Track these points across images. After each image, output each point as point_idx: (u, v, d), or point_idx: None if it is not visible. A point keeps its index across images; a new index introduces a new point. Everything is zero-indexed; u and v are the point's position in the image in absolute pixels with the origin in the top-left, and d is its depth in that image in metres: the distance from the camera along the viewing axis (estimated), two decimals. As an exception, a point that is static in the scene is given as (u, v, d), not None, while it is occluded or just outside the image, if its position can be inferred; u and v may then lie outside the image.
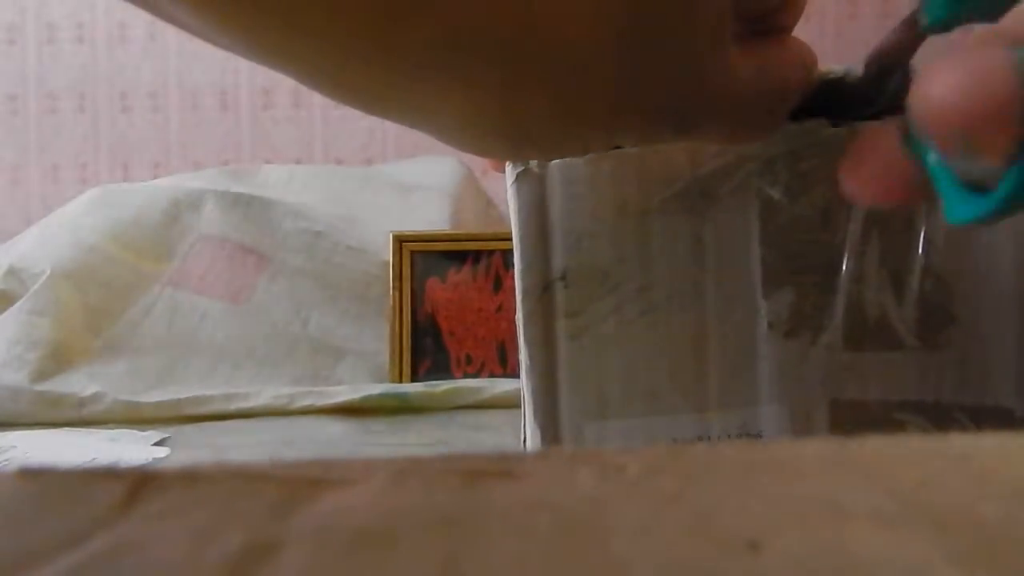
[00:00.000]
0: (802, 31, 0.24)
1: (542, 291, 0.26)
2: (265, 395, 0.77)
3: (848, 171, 0.20)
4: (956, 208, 0.18)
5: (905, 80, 0.22)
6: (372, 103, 0.21)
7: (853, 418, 0.25)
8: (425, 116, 0.21)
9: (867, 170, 0.19)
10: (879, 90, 0.23)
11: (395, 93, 0.20)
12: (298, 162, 1.51)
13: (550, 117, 0.20)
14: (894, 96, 0.23)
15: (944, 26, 0.19)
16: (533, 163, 0.27)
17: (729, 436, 0.26)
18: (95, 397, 0.75)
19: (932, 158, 0.18)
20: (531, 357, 0.26)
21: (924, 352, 0.25)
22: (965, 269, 0.25)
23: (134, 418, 0.74)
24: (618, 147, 0.25)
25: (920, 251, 0.25)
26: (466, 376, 0.86)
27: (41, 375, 0.79)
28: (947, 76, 0.16)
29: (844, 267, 0.25)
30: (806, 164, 0.25)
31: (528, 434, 0.27)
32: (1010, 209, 0.17)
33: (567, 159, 0.26)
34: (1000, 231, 0.25)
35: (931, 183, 0.18)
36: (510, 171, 0.27)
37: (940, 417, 0.25)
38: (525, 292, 0.26)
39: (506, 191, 0.27)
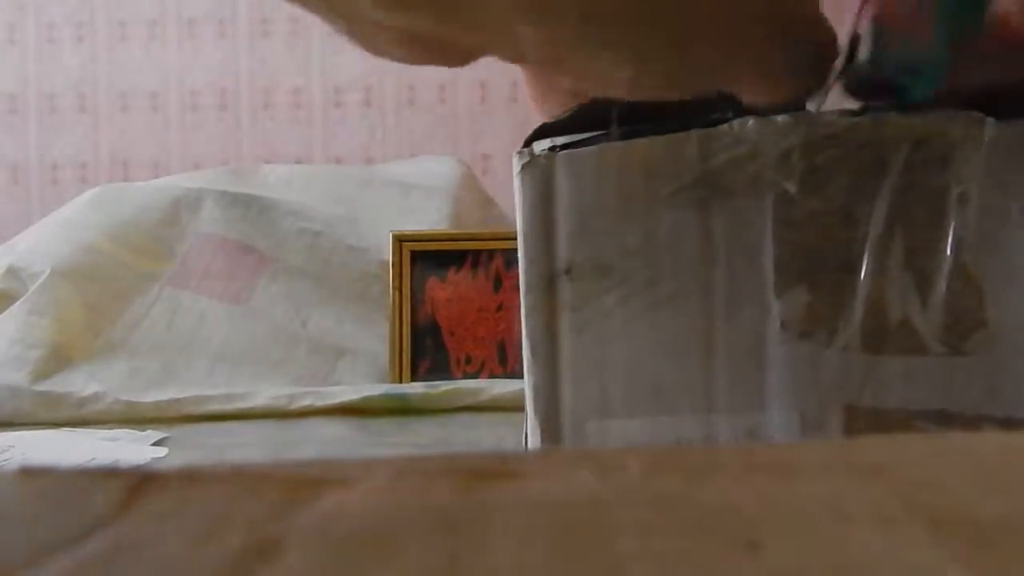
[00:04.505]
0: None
1: (546, 284, 0.26)
2: (265, 395, 0.77)
3: None
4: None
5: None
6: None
7: (869, 426, 0.24)
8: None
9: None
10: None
11: None
12: (298, 162, 1.51)
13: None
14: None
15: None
16: (540, 153, 0.26)
17: (737, 439, 0.25)
18: (95, 397, 0.75)
19: None
20: (533, 351, 0.26)
21: (950, 358, 0.24)
22: (998, 269, 0.24)
23: (133, 418, 0.74)
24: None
25: (949, 250, 0.24)
26: (466, 376, 0.86)
27: (41, 375, 0.79)
28: None
29: (864, 266, 0.24)
30: (823, 156, 0.24)
31: (529, 431, 0.27)
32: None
33: (575, 151, 0.26)
34: None
35: None
36: (516, 161, 0.26)
37: (965, 429, 0.24)
38: (529, 285, 0.26)
39: (512, 182, 0.27)
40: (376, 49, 0.24)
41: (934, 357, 0.24)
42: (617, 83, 0.23)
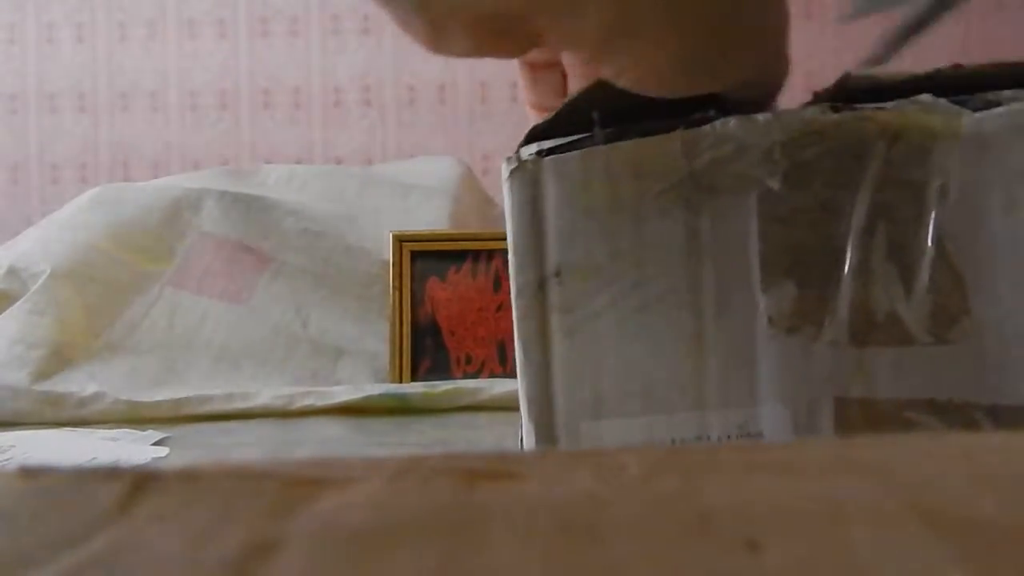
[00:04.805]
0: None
1: (536, 288, 0.26)
2: (265, 395, 0.77)
3: None
4: None
5: None
6: None
7: (860, 418, 0.24)
8: None
9: None
10: None
11: None
12: (298, 162, 1.51)
13: None
14: None
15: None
16: (526, 158, 0.26)
17: (729, 436, 0.25)
18: (95, 397, 0.75)
19: None
20: (525, 354, 0.26)
21: (936, 347, 0.24)
22: (981, 258, 0.24)
23: (134, 418, 0.74)
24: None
25: (930, 241, 0.24)
26: (466, 376, 0.86)
27: (41, 375, 0.79)
28: None
29: (848, 259, 0.24)
30: (806, 153, 0.25)
31: (524, 433, 0.27)
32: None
33: (561, 155, 0.26)
34: (1018, 214, 0.24)
35: None
36: (504, 168, 0.27)
37: (955, 417, 0.24)
38: (519, 289, 0.26)
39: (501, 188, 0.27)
40: (442, 42, 0.25)
41: (920, 347, 0.24)
42: (656, 71, 0.24)
